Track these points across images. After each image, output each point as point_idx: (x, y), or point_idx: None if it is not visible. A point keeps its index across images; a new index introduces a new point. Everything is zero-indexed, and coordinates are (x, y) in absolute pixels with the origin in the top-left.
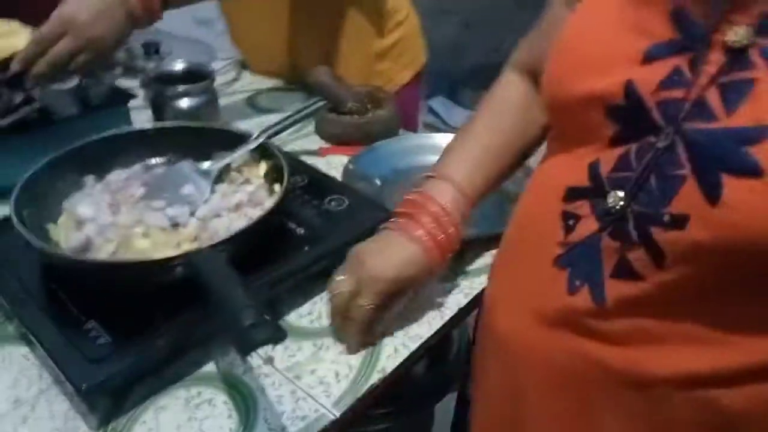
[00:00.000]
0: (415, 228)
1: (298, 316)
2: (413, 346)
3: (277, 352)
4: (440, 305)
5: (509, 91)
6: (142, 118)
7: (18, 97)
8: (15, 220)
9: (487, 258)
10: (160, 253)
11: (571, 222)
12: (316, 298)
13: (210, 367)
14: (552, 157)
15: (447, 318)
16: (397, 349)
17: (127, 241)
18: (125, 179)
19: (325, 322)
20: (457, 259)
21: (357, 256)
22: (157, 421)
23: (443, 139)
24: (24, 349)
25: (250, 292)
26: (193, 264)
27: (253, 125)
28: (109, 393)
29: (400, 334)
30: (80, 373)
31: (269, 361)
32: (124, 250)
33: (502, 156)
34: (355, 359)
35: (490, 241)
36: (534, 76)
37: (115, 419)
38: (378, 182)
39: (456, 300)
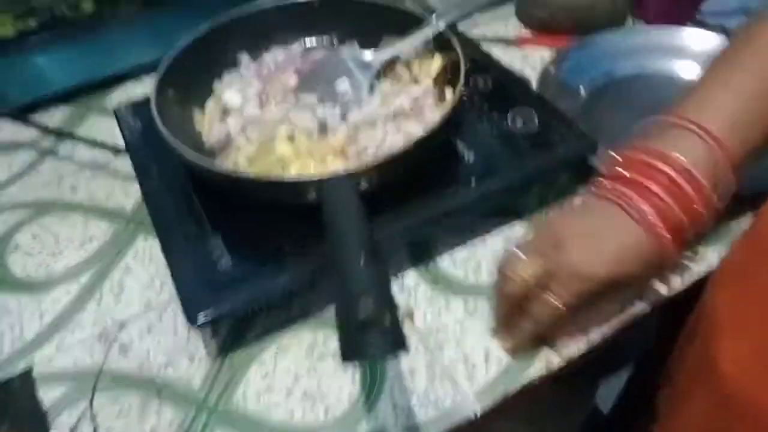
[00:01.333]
0: (642, 201)
1: (452, 263)
2: (596, 338)
3: (420, 306)
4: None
5: None
6: None
7: None
8: (154, 106)
9: (731, 226)
10: (300, 164)
11: None
12: (477, 242)
13: None
14: None
15: (644, 310)
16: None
17: (268, 144)
18: (280, 62)
19: (485, 277)
20: None
21: (554, 235)
22: (275, 364)
23: (692, 38)
24: None
25: (379, 266)
26: (323, 194)
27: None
28: (225, 328)
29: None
30: (194, 300)
31: (409, 316)
32: (264, 154)
33: None
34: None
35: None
36: None
37: (234, 351)
38: (583, 92)
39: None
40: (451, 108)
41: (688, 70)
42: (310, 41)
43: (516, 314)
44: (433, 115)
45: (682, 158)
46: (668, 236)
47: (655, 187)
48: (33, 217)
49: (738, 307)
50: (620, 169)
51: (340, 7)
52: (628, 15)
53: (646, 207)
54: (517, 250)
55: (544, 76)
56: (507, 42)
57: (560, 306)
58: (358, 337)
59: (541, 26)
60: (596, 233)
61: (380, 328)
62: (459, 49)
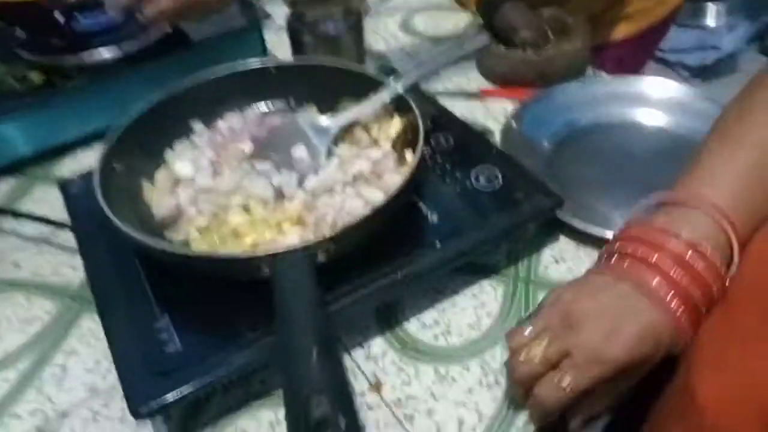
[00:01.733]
0: (654, 280)
1: (420, 326)
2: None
3: (388, 374)
4: None
5: None
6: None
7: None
8: (97, 181)
9: None
10: (255, 235)
11: None
12: (446, 304)
13: None
14: None
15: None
16: None
17: (221, 215)
18: (235, 129)
19: (455, 340)
20: None
21: (567, 314)
22: None
23: (652, 86)
24: None
25: (334, 360)
26: (275, 272)
27: (398, 56)
28: (178, 412)
29: None
30: (138, 389)
31: (376, 387)
32: (217, 226)
33: None
34: (488, 406)
35: None
36: None
37: None
38: (546, 144)
39: None
40: (411, 172)
41: (649, 117)
42: (267, 105)
43: (529, 398)
44: (393, 178)
45: (691, 236)
46: (683, 316)
47: (666, 266)
48: None
49: (719, 338)
50: (628, 247)
51: (297, 72)
52: (587, 66)
53: (658, 286)
54: (529, 330)
55: (506, 130)
56: (469, 95)
57: (574, 390)
58: None
59: (503, 79)
60: (613, 314)
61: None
62: (417, 112)
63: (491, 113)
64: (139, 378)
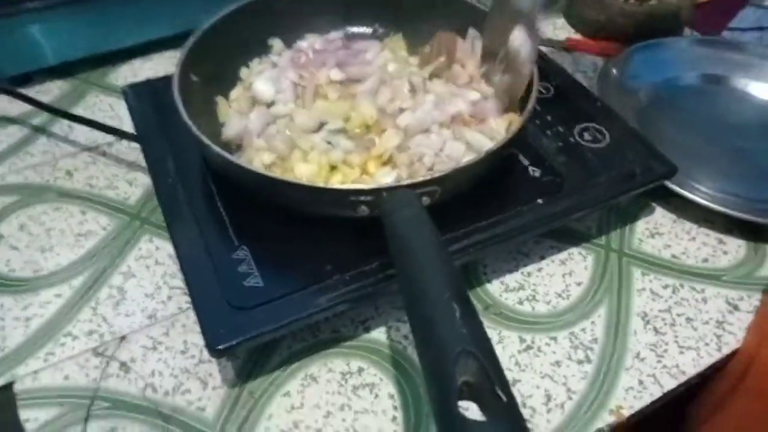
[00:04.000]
0: None
1: (503, 288)
2: (669, 383)
3: None
4: (722, 323)
5: None
6: None
7: None
8: (176, 91)
9: None
10: (340, 176)
11: None
12: (531, 268)
13: (380, 333)
14: None
15: (729, 348)
16: (642, 382)
17: (294, 154)
18: (318, 50)
19: (541, 308)
20: None
21: None
22: (302, 396)
23: (752, 56)
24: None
25: (476, 317)
26: (388, 210)
27: None
28: (244, 350)
29: (652, 359)
30: (217, 324)
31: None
32: (285, 164)
33: None
34: (578, 382)
35: None
36: None
37: (255, 379)
38: (643, 99)
39: (748, 319)
40: (522, 125)
41: (757, 89)
42: (351, 29)
43: None
44: (498, 123)
45: None
46: None
47: None
48: (21, 204)
49: None
50: None
51: None
52: (688, 25)
53: None
54: None
55: (604, 76)
56: (552, 45)
57: None
58: (447, 407)
59: (595, 30)
60: None
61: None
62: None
63: (578, 67)
64: (218, 313)
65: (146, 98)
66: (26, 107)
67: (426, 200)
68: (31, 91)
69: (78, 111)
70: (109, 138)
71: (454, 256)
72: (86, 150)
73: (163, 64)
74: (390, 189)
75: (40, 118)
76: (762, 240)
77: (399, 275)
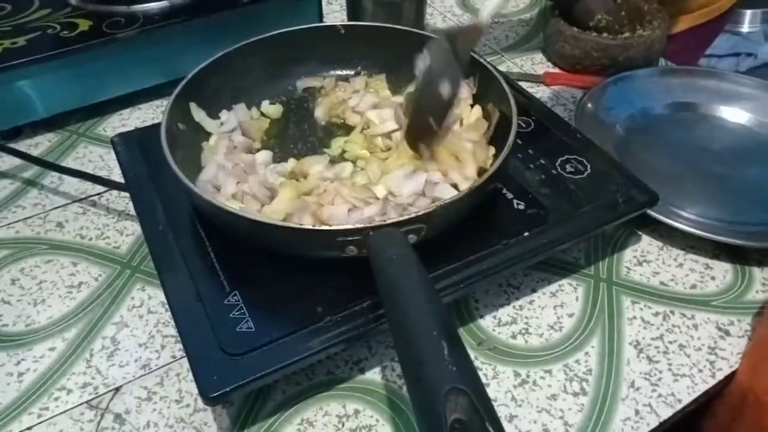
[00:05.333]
0: None
1: (495, 323)
2: (665, 412)
3: None
4: (714, 349)
5: None
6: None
7: None
8: (164, 136)
9: None
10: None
11: None
12: (522, 301)
13: (374, 374)
14: None
15: (723, 374)
16: (639, 411)
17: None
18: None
19: (535, 341)
20: None
21: None
22: None
23: (738, 82)
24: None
25: (465, 353)
26: (374, 249)
27: None
28: (240, 397)
29: (647, 388)
30: (210, 371)
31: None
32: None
33: None
34: (575, 415)
35: None
36: None
37: (251, 426)
38: (620, 130)
39: (740, 344)
40: (504, 158)
41: (730, 113)
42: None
43: None
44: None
45: None
46: None
47: None
48: (12, 258)
49: None
50: None
51: (368, 35)
52: (661, 56)
53: None
54: None
55: (580, 110)
56: (531, 79)
57: None
58: None
59: (572, 64)
60: None
61: None
62: (506, 86)
63: (558, 100)
64: (211, 360)
65: (135, 147)
66: (16, 161)
67: (412, 238)
68: (21, 145)
69: (68, 162)
70: (99, 188)
71: (442, 292)
72: (77, 201)
73: (150, 113)
74: (376, 228)
75: (30, 171)
76: (747, 263)
77: (387, 314)
